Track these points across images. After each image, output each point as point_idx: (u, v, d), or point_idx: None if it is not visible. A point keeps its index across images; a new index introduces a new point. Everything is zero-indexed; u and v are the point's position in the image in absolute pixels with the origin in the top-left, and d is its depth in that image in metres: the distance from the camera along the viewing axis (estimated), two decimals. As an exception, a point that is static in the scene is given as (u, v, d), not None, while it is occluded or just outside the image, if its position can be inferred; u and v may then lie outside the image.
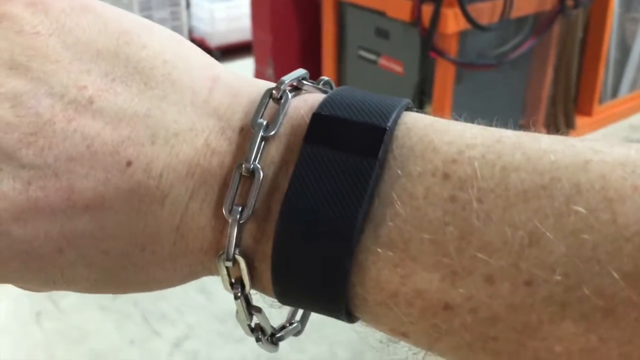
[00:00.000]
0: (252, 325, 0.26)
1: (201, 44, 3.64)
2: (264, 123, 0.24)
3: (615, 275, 0.19)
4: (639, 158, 0.21)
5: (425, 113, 0.26)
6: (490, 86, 2.15)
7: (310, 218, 0.22)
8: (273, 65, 2.53)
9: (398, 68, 2.12)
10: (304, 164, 0.23)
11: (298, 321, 0.28)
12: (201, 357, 1.70)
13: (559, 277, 0.20)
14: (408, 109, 0.25)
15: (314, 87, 0.27)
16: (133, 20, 0.26)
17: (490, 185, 0.21)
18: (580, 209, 0.20)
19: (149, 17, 3.39)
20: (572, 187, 0.21)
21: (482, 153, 0.22)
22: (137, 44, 0.25)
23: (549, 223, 0.20)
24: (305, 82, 0.26)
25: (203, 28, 3.60)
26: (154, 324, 1.78)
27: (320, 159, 0.23)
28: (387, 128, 0.23)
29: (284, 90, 0.25)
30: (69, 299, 1.83)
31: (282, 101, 0.25)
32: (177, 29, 3.49)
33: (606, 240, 0.20)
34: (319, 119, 0.24)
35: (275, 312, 0.27)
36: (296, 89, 0.26)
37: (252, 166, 0.23)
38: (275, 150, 0.24)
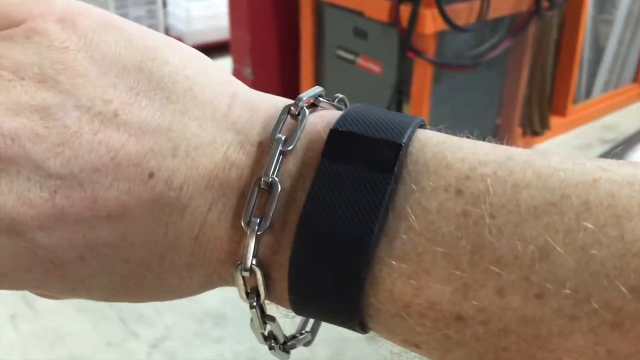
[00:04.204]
0: (266, 333, 0.27)
1: (177, 42, 3.62)
2: (282, 138, 0.25)
3: (623, 289, 0.20)
4: None
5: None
6: (467, 86, 2.17)
7: (327, 230, 0.23)
8: (251, 64, 2.52)
9: (376, 68, 2.13)
10: (321, 178, 0.24)
11: (308, 331, 0.28)
12: (179, 357, 1.69)
13: (568, 291, 0.21)
14: (421, 126, 0.26)
15: (330, 104, 0.28)
16: (156, 37, 0.27)
17: (502, 201, 0.22)
18: (589, 225, 0.21)
19: (125, 15, 3.36)
20: (581, 204, 0.21)
21: (494, 170, 0.23)
22: (161, 60, 0.26)
23: (559, 238, 0.21)
24: (321, 99, 0.27)
25: (180, 27, 3.57)
26: (131, 325, 1.77)
27: (337, 173, 0.23)
28: (403, 144, 0.24)
29: (302, 107, 0.26)
30: (44, 301, 1.80)
31: (300, 117, 0.25)
32: (153, 27, 3.44)
33: (614, 255, 0.20)
34: (336, 135, 0.24)
35: (287, 322, 0.27)
36: (313, 105, 0.27)
37: (270, 179, 0.24)
38: (292, 165, 0.25)
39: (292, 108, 0.26)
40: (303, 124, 0.25)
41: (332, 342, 1.66)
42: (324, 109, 0.27)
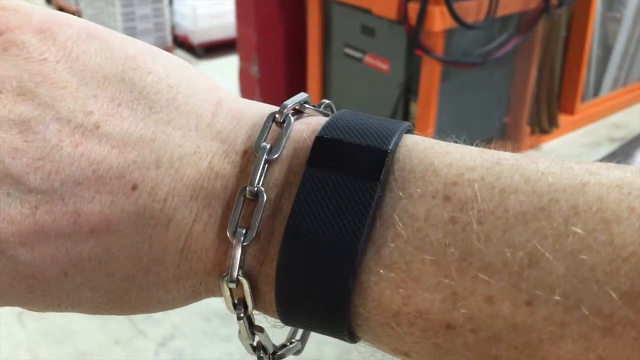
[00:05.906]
0: (255, 344, 0.26)
1: (184, 41, 3.63)
2: (267, 146, 0.24)
3: (613, 294, 0.20)
4: (635, 180, 0.21)
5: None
6: (475, 84, 2.16)
7: (313, 240, 0.23)
8: (258, 62, 2.52)
9: (384, 66, 2.13)
10: (307, 187, 0.23)
11: (298, 340, 0.28)
12: (187, 356, 1.69)
13: (558, 297, 0.20)
14: (408, 131, 0.25)
15: (316, 110, 0.27)
16: (138, 47, 0.26)
17: (490, 207, 0.22)
18: (579, 230, 0.21)
19: (131, 13, 3.37)
20: (570, 208, 0.21)
21: (481, 175, 0.23)
22: (143, 69, 0.25)
23: (548, 244, 0.21)
24: (307, 105, 0.27)
25: (186, 25, 3.58)
26: (139, 324, 1.78)
27: (323, 182, 0.23)
28: (389, 150, 0.23)
29: (287, 114, 0.25)
30: (53, 299, 1.81)
31: (285, 125, 0.25)
32: (159, 25, 3.47)
33: (604, 260, 0.20)
34: (322, 142, 0.24)
35: (276, 331, 0.27)
36: (298, 112, 0.26)
37: (255, 189, 0.24)
38: (278, 173, 0.24)
39: (277, 116, 0.25)
40: (288, 132, 0.25)
41: (340, 342, 1.66)
42: (310, 115, 0.27)
